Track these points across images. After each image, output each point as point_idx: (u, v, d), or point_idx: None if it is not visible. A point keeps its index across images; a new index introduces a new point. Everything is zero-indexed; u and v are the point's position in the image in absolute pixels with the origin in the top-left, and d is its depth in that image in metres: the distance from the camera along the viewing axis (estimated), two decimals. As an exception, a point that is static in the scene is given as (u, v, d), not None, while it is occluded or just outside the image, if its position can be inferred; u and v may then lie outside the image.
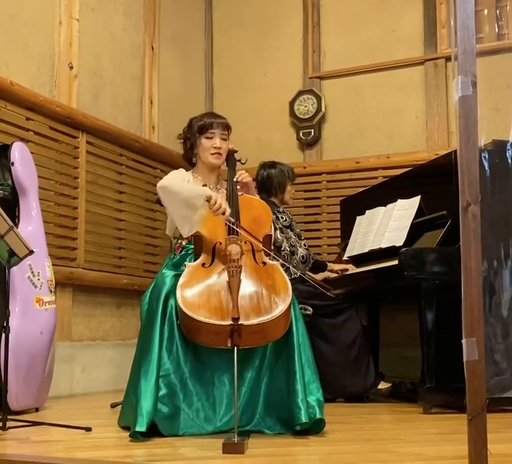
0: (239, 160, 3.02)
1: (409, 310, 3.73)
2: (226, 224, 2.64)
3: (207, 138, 2.93)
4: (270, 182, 4.17)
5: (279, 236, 3.93)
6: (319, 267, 4.13)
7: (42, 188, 3.77)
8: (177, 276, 2.60)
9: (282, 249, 3.90)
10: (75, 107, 4.36)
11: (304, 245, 4.06)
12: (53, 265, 3.44)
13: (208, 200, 2.63)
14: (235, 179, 2.86)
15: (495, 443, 1.71)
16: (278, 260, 2.70)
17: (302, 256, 3.94)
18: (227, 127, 2.98)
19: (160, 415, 2.40)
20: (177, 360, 2.52)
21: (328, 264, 4.18)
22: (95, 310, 4.47)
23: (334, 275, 4.12)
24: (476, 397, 1.64)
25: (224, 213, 2.63)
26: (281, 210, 4.07)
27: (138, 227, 4.86)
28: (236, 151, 3.03)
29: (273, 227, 2.94)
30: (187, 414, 2.48)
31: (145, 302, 2.70)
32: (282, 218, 4.00)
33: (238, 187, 2.89)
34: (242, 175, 2.89)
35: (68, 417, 2.96)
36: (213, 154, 2.93)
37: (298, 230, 4.13)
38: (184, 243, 2.89)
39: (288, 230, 4.01)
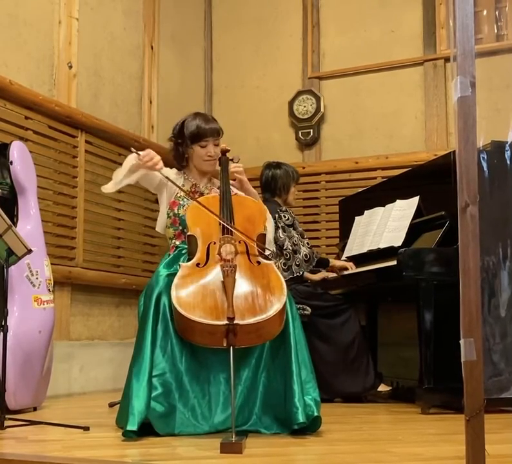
0: (232, 160, 3.01)
1: (408, 310, 3.73)
2: (219, 224, 2.64)
3: (200, 146, 2.92)
4: (275, 183, 4.17)
5: (281, 235, 3.93)
6: (321, 264, 4.13)
7: (41, 187, 3.77)
8: (170, 276, 2.60)
9: (285, 248, 3.89)
10: (74, 106, 4.36)
11: (307, 243, 4.06)
12: (51, 264, 3.44)
13: (139, 153, 2.72)
14: (230, 170, 2.87)
15: (493, 443, 1.71)
16: (272, 259, 2.70)
17: (305, 255, 3.94)
18: (219, 133, 2.96)
19: (155, 414, 2.40)
20: (172, 359, 2.52)
21: (331, 261, 4.17)
22: (94, 309, 4.47)
23: (333, 275, 4.11)
24: (474, 398, 1.64)
25: (156, 165, 2.71)
26: (284, 209, 4.07)
27: (137, 227, 4.86)
28: (228, 151, 3.01)
29: (271, 226, 2.93)
30: (182, 413, 2.48)
31: (141, 302, 2.70)
32: (285, 217, 4.00)
33: (233, 179, 2.89)
34: (236, 167, 2.88)
35: (66, 416, 2.96)
36: (206, 161, 2.93)
37: (300, 229, 4.12)
38: (177, 243, 2.89)
39: (291, 229, 4.01)
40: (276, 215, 3.94)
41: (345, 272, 4.02)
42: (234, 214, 2.71)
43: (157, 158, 2.73)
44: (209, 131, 2.91)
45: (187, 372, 2.52)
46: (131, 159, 2.82)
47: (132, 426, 2.32)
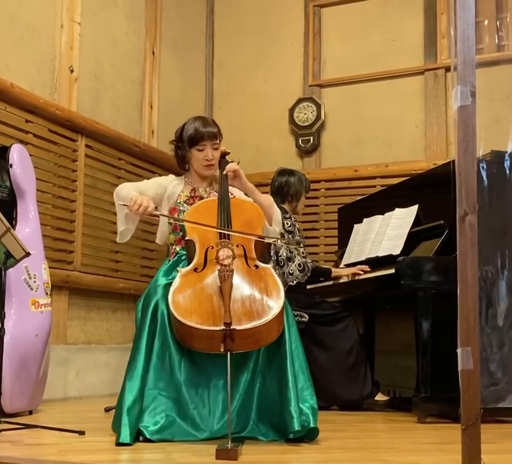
0: (231, 162, 3.00)
1: (405, 318, 3.73)
2: (218, 230, 2.64)
3: (198, 150, 2.89)
4: (288, 189, 4.15)
5: (279, 242, 3.90)
6: (321, 274, 4.05)
7: (40, 190, 3.77)
8: (168, 286, 2.57)
9: (279, 254, 3.88)
10: (75, 110, 4.36)
11: (303, 252, 4.03)
12: (49, 267, 3.44)
13: (126, 204, 2.69)
14: (224, 172, 2.85)
15: (489, 453, 1.71)
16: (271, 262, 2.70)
17: (299, 264, 3.90)
18: (217, 136, 2.91)
19: (152, 430, 2.40)
20: (170, 370, 2.50)
21: (333, 270, 4.06)
22: (91, 313, 4.47)
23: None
24: (470, 407, 1.64)
25: (148, 209, 2.66)
26: (288, 216, 4.04)
27: (136, 231, 4.79)
28: (228, 153, 3.00)
29: (278, 215, 2.91)
30: (181, 426, 2.45)
31: (139, 309, 2.70)
32: (287, 223, 3.98)
33: (230, 176, 2.88)
34: (232, 167, 2.87)
35: (62, 420, 2.95)
36: (205, 165, 2.91)
37: (298, 237, 4.09)
38: (177, 248, 2.89)
39: (290, 236, 3.99)
40: None
41: (357, 277, 3.88)
42: (232, 218, 2.71)
43: (145, 202, 2.67)
44: (206, 135, 2.87)
45: (186, 382, 2.51)
46: (120, 210, 2.82)
47: (125, 439, 2.32)
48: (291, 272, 3.87)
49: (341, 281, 4.00)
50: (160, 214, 2.80)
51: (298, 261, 3.90)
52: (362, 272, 3.86)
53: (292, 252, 3.93)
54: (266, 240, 2.72)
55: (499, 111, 4.81)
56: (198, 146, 2.88)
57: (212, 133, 2.89)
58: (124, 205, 2.70)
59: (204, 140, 2.88)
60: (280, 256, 3.88)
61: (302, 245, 4.10)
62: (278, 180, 4.20)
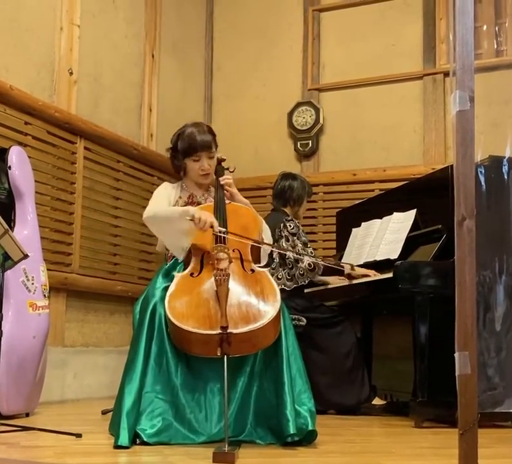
0: (227, 169, 3.00)
1: (403, 323, 3.73)
2: (213, 234, 2.64)
3: (194, 160, 2.86)
4: (290, 193, 4.14)
5: (284, 245, 3.90)
6: (335, 271, 4.00)
7: (39, 193, 3.77)
8: (167, 288, 2.58)
9: (287, 257, 3.88)
10: (74, 112, 4.37)
11: (311, 252, 4.02)
12: (47, 269, 3.44)
13: (192, 219, 2.63)
14: (222, 183, 2.86)
15: (486, 458, 1.71)
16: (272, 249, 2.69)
17: (309, 264, 3.89)
18: (212, 146, 2.86)
19: (149, 433, 2.39)
20: (167, 374, 2.50)
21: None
22: (89, 316, 4.46)
23: (342, 283, 4.05)
24: (467, 412, 1.64)
25: (212, 227, 2.63)
26: (289, 218, 4.03)
27: (134, 234, 4.85)
28: (224, 160, 3.00)
29: (268, 237, 2.93)
30: (179, 429, 2.45)
31: (136, 311, 2.70)
32: (290, 226, 3.97)
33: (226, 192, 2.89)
34: (226, 179, 2.87)
35: (59, 423, 2.95)
36: (201, 175, 2.89)
37: (304, 238, 4.06)
38: None
39: (294, 238, 3.98)
40: (282, 224, 3.93)
41: (364, 280, 3.82)
42: (228, 223, 2.72)
43: (209, 218, 2.63)
44: (200, 146, 2.83)
45: (183, 386, 2.50)
46: (183, 225, 2.67)
47: (123, 442, 2.32)
48: (301, 273, 3.86)
49: (337, 285, 4.00)
50: (229, 232, 2.66)
51: (308, 261, 3.89)
52: (373, 276, 3.79)
53: (299, 253, 3.92)
54: (265, 247, 2.72)
55: (497, 116, 4.83)
56: (193, 157, 2.85)
57: (207, 143, 2.84)
58: (191, 219, 2.63)
59: (198, 151, 2.84)
60: (288, 258, 3.88)
61: (308, 245, 4.09)
62: (282, 183, 4.20)
